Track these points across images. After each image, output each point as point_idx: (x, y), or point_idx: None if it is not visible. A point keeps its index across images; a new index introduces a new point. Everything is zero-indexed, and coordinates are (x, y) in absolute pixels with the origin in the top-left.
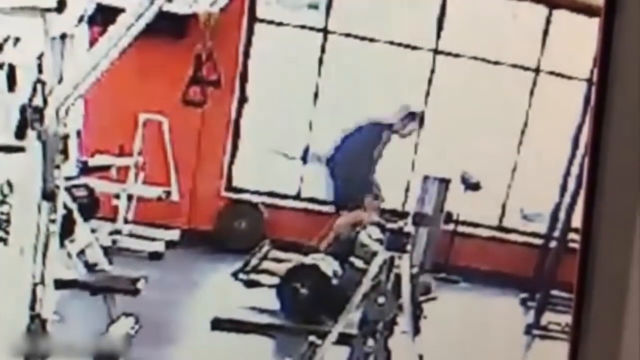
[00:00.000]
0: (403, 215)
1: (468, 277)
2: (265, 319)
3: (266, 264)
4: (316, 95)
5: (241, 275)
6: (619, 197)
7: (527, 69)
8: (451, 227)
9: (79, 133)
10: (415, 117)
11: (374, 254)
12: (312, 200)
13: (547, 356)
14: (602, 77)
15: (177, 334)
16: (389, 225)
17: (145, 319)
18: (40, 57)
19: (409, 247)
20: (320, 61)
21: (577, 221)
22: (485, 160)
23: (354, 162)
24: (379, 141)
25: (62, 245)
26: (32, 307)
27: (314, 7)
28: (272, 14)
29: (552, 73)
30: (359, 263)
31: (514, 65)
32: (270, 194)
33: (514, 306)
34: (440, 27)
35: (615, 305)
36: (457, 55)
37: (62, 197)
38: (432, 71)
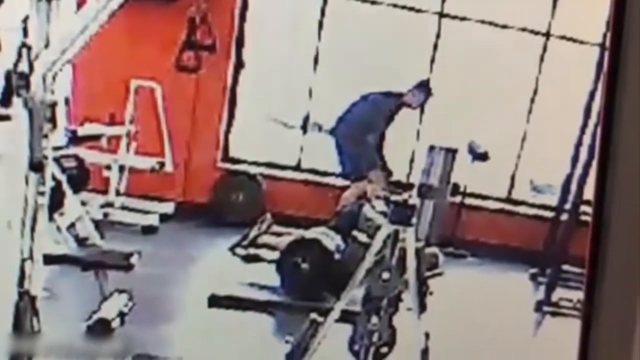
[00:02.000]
0: (408, 187)
1: (476, 251)
2: (264, 296)
3: (265, 238)
4: (316, 60)
5: (239, 250)
6: (633, 167)
7: (537, 33)
8: (458, 199)
9: (67, 100)
10: (425, 88)
11: (378, 227)
12: (312, 171)
13: (558, 334)
14: (615, 42)
15: (172, 312)
16: (394, 198)
17: (139, 296)
18: (25, 20)
19: (414, 220)
20: (320, 25)
21: (589, 193)
22: (493, 129)
23: (360, 133)
24: (387, 112)
25: (51, 218)
26: (20, 284)
27: None
28: None
29: (563, 37)
30: (362, 237)
31: (523, 29)
32: (269, 165)
33: (524, 282)
34: None
35: (629, 280)
36: (463, 19)
37: (51, 168)
38: (438, 36)
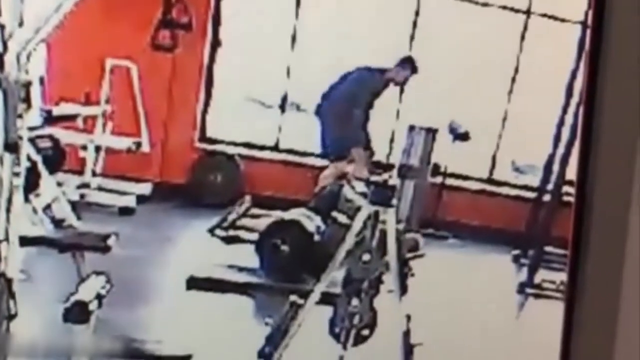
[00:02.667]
0: (388, 167)
1: (457, 232)
2: (244, 278)
3: (245, 220)
4: (294, 39)
5: (218, 231)
6: (616, 147)
7: (517, 10)
8: (439, 179)
9: (41, 80)
10: (409, 63)
11: (358, 208)
12: (291, 151)
13: (541, 316)
14: (596, 20)
15: (150, 294)
16: (373, 178)
17: (116, 278)
18: None
19: (394, 201)
20: (298, 3)
21: (571, 173)
22: (474, 108)
23: (345, 109)
24: (373, 88)
25: (26, 200)
26: None
27: None
28: None
29: (544, 15)
30: (342, 218)
31: (504, 7)
32: (247, 145)
33: (506, 263)
34: None
35: (613, 261)
36: None
37: (26, 148)
38: (417, 13)
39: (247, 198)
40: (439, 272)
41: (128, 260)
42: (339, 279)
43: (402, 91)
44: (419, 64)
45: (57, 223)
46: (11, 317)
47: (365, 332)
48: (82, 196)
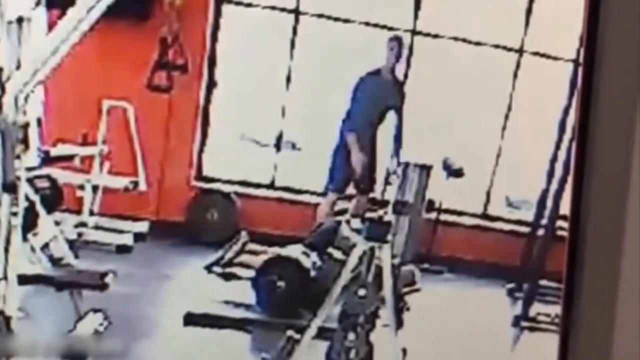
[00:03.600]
0: (383, 203)
1: (452, 267)
2: (241, 313)
3: (241, 257)
4: (288, 79)
5: (215, 268)
6: (608, 182)
7: (510, 49)
8: (433, 215)
9: (39, 121)
10: (397, 41)
11: (354, 245)
12: (286, 189)
13: (536, 349)
14: (588, 58)
15: (148, 330)
16: (369, 214)
17: (114, 315)
18: None
19: (389, 237)
20: (292, 44)
21: (565, 208)
22: (468, 145)
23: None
24: (387, 88)
25: (25, 239)
26: None
27: None
28: None
29: (536, 53)
30: (338, 254)
31: (496, 46)
32: (243, 183)
33: (501, 297)
34: (418, 6)
35: (606, 295)
36: (436, 36)
37: (24, 188)
38: (410, 51)
39: (244, 235)
40: (435, 306)
41: (126, 298)
42: (335, 314)
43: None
44: (412, 103)
45: (55, 261)
46: (10, 355)
47: None
48: (79, 235)
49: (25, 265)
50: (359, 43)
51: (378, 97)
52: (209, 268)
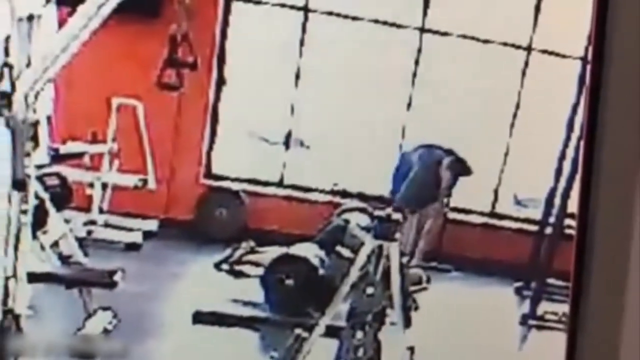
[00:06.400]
0: (392, 202)
1: (460, 265)
2: (249, 312)
3: (250, 255)
4: (297, 77)
5: (224, 266)
6: (616, 181)
7: (518, 47)
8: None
9: (49, 119)
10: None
11: (363, 243)
12: (295, 187)
13: (544, 347)
14: (596, 55)
15: (156, 328)
16: (377, 213)
17: (123, 313)
18: (6, 39)
19: (397, 236)
20: (302, 42)
21: (573, 206)
22: (477, 143)
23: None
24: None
25: (34, 237)
26: (4, 302)
27: None
28: None
29: (544, 51)
30: (346, 252)
31: (505, 44)
32: (252, 181)
33: (509, 295)
34: (427, 4)
35: (614, 293)
36: (444, 34)
37: (34, 186)
38: (419, 51)
39: (252, 233)
40: (442, 305)
41: (134, 296)
42: (343, 312)
43: (404, 126)
44: (420, 100)
45: (65, 259)
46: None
47: None
48: (89, 233)
49: (34, 263)
50: (367, 41)
51: None
52: (217, 266)
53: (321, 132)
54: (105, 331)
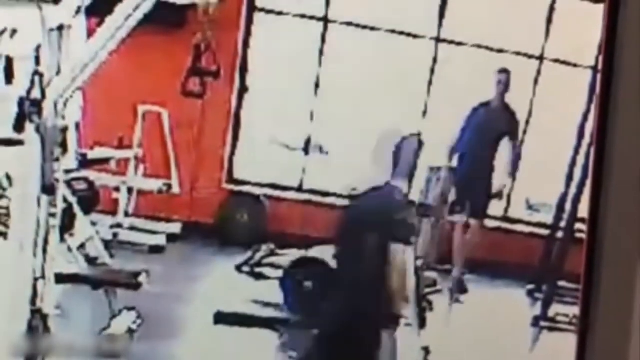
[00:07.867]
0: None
1: (473, 268)
2: (269, 313)
3: (270, 257)
4: (317, 85)
5: (244, 268)
6: (625, 186)
7: (531, 56)
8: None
9: (77, 125)
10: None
11: None
12: (314, 192)
13: (555, 348)
14: (607, 65)
15: (179, 328)
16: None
17: (147, 313)
18: (37, 49)
19: (413, 239)
20: (321, 51)
21: (583, 211)
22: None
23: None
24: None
25: (62, 239)
26: (33, 302)
27: None
28: (271, 3)
29: (556, 61)
30: None
31: (518, 53)
32: (272, 186)
33: (521, 298)
34: (442, 15)
35: (623, 295)
36: (459, 44)
37: (62, 190)
38: (434, 60)
39: (272, 236)
40: (456, 307)
41: (158, 297)
42: None
43: (420, 133)
44: (436, 107)
45: (91, 261)
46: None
47: None
48: (115, 235)
49: (62, 264)
50: (384, 50)
51: (489, 125)
52: (238, 268)
53: (340, 138)
54: (130, 331)
